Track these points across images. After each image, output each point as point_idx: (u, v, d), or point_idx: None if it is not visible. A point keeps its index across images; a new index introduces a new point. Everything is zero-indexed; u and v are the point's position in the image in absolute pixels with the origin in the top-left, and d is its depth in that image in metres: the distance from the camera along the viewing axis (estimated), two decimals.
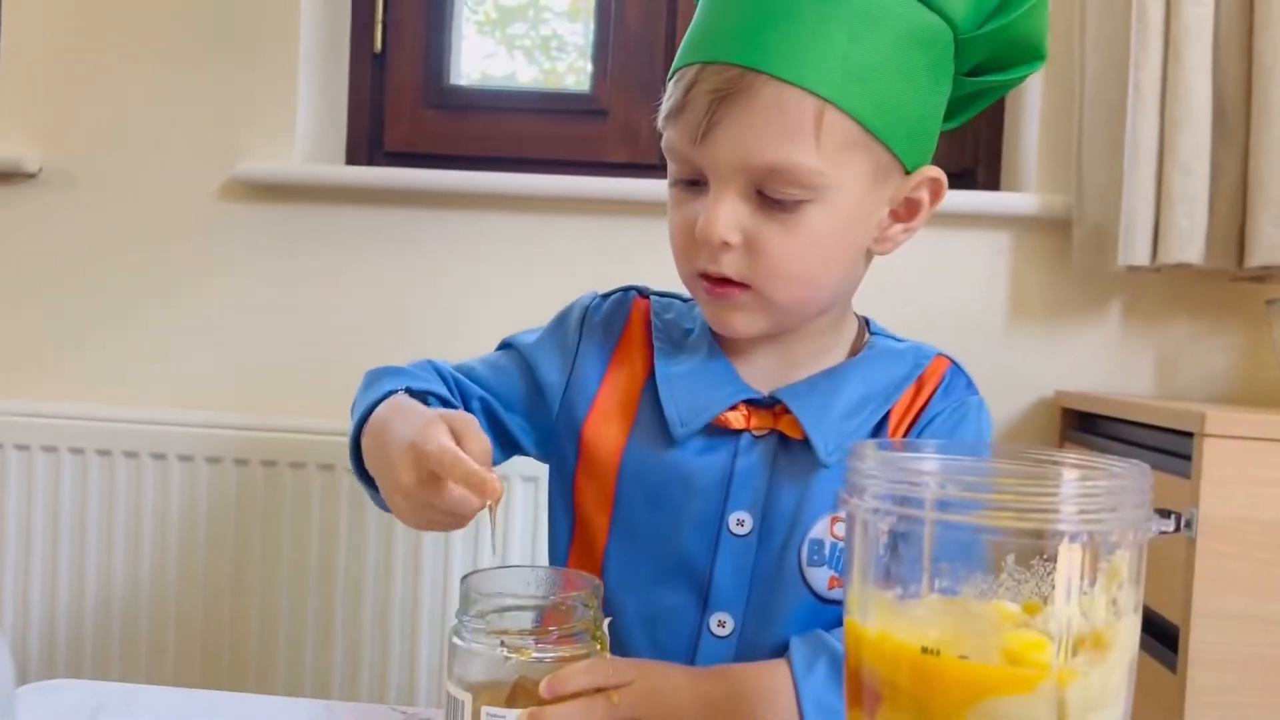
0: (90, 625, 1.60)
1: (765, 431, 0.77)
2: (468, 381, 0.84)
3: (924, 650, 0.45)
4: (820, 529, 0.76)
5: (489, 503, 0.61)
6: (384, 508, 0.75)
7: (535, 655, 0.58)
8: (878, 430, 0.78)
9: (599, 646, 0.61)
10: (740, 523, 0.76)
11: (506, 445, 0.86)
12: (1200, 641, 1.10)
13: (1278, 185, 1.38)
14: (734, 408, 0.77)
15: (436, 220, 1.66)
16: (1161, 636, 1.16)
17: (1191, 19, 1.39)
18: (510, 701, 0.58)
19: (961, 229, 1.60)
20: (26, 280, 1.71)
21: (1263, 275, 1.49)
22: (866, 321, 0.86)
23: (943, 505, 0.44)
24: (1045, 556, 0.45)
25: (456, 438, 0.64)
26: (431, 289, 1.66)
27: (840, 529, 0.76)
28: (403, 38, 1.79)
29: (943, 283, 1.61)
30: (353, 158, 1.80)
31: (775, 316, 0.75)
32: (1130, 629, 0.46)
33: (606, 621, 0.62)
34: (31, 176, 1.69)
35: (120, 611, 1.59)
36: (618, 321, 0.85)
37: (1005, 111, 1.71)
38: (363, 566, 1.56)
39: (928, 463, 0.50)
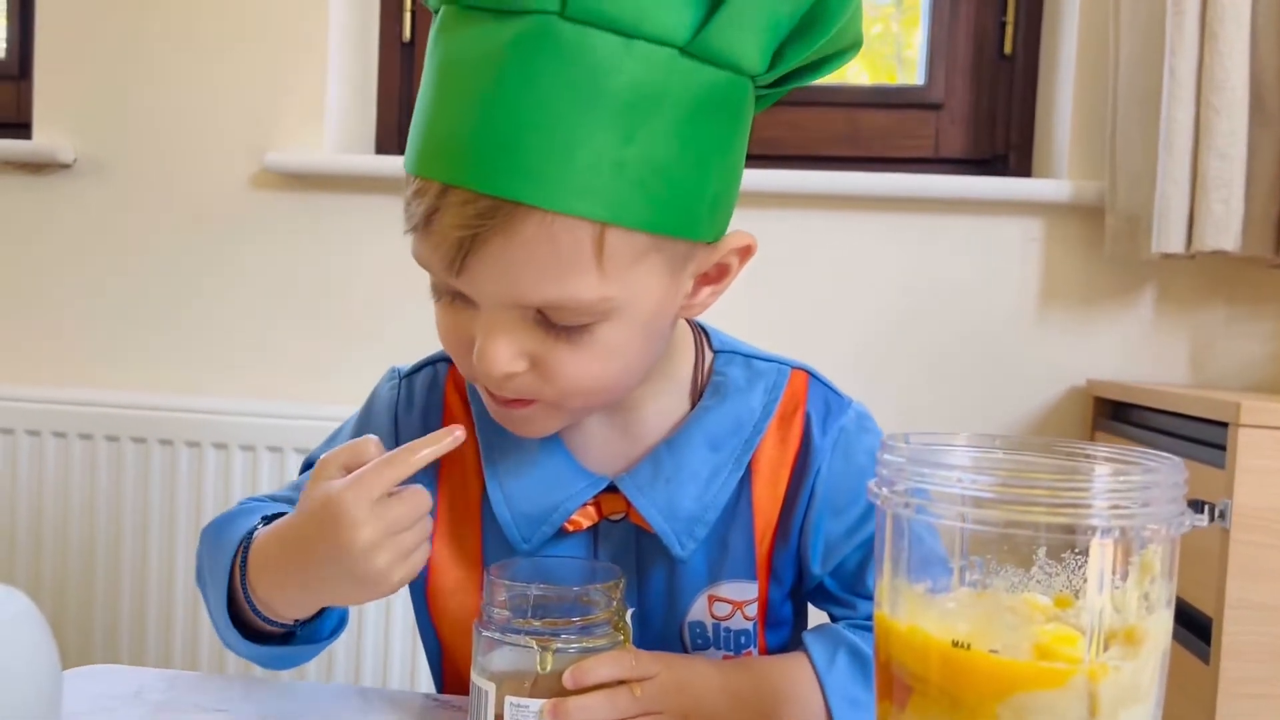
0: (126, 611, 1.62)
1: (620, 516, 0.70)
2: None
3: (955, 644, 0.45)
4: (698, 610, 0.71)
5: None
6: (276, 662, 0.70)
7: (559, 646, 0.59)
8: (740, 488, 0.70)
9: (622, 638, 0.61)
10: None
11: None
12: (1233, 633, 1.09)
13: None
14: (581, 507, 0.69)
15: None
16: (1194, 628, 1.15)
17: (1228, 3, 1.37)
18: (534, 692, 0.58)
19: (993, 215, 1.59)
20: (62, 270, 1.73)
21: None
22: (705, 332, 0.75)
23: (974, 500, 0.44)
24: (1077, 550, 0.44)
25: (357, 455, 0.61)
26: None
27: (719, 608, 0.71)
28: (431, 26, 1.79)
29: (973, 270, 1.59)
30: (382, 147, 1.81)
31: (574, 417, 0.66)
32: (1162, 623, 0.46)
33: (630, 613, 0.62)
34: (66, 167, 1.71)
35: (157, 598, 1.62)
36: (433, 411, 0.74)
37: (1038, 97, 1.69)
38: None
39: (959, 455, 0.50)
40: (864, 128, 1.71)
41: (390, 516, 0.58)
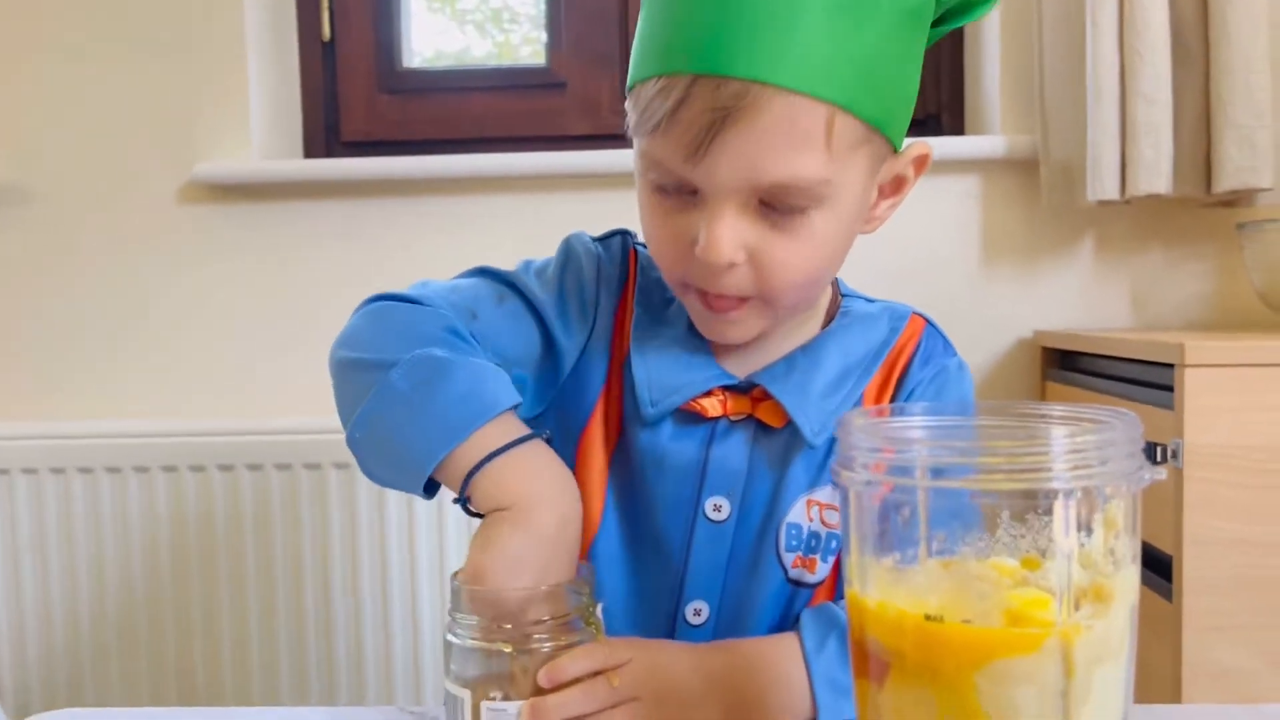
0: (88, 646, 1.59)
1: (742, 417, 0.74)
2: (479, 350, 0.72)
3: (928, 617, 0.45)
4: (797, 512, 0.74)
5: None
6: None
7: (531, 645, 0.58)
8: (859, 404, 0.76)
9: (594, 631, 0.61)
10: (717, 508, 0.74)
11: None
12: (1193, 568, 1.11)
13: (1240, 108, 1.38)
14: (709, 394, 0.73)
15: (400, 208, 1.64)
16: (1155, 566, 1.17)
17: None
18: (510, 694, 0.58)
19: (930, 176, 1.57)
20: None
21: (1231, 200, 1.49)
22: (835, 282, 0.83)
23: (934, 472, 0.44)
24: (1040, 511, 0.44)
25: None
26: (403, 277, 1.64)
27: (814, 511, 0.74)
28: (351, 24, 1.76)
29: (915, 230, 1.60)
30: (310, 150, 1.78)
31: (774, 322, 0.71)
32: (1130, 579, 0.46)
33: (599, 606, 0.62)
34: None
35: (116, 628, 1.58)
36: (623, 275, 0.79)
37: (966, 55, 1.70)
38: (358, 564, 1.55)
39: (916, 430, 0.49)
40: None
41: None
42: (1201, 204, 1.54)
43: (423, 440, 0.65)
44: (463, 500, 0.65)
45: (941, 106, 1.71)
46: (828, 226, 0.65)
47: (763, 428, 0.74)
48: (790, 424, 0.72)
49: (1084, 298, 1.60)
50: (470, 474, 0.64)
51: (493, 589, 0.59)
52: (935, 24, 0.69)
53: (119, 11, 1.63)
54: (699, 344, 0.74)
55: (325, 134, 1.78)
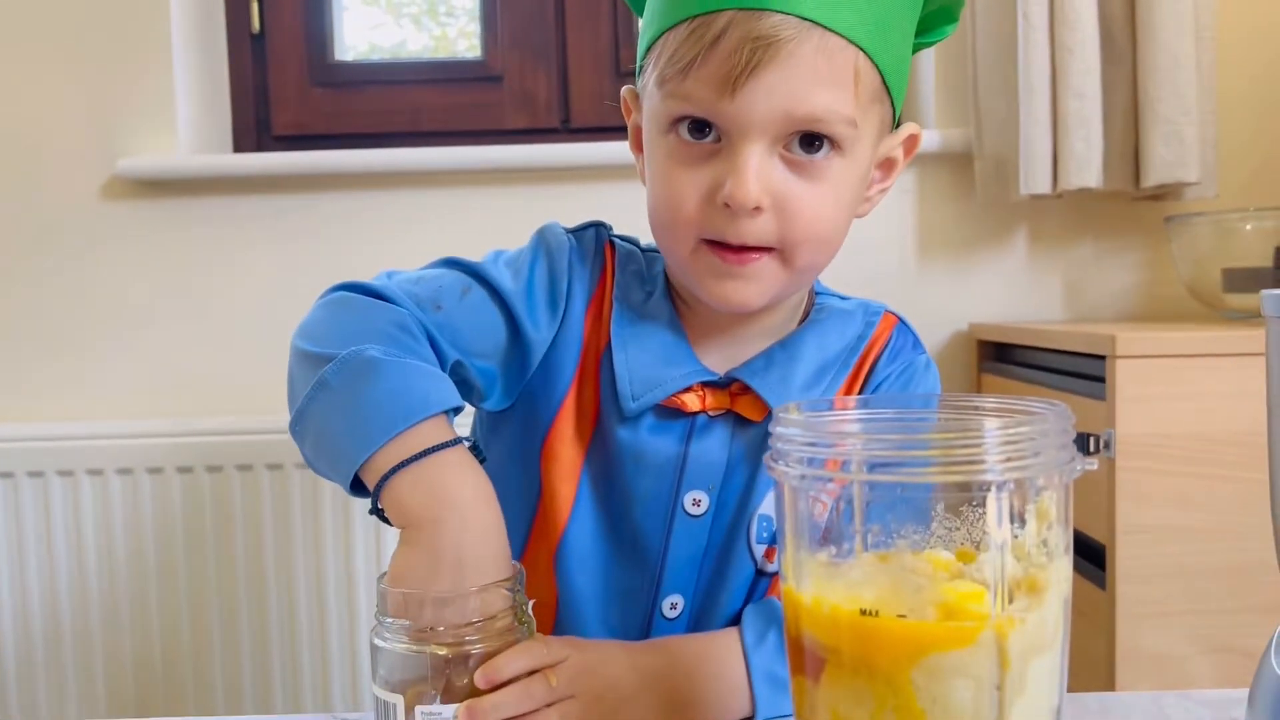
0: (41, 654, 1.54)
1: (720, 412, 0.74)
2: (444, 344, 0.70)
3: (862, 612, 0.44)
4: (769, 503, 0.74)
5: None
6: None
7: (464, 648, 0.57)
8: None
9: (527, 629, 0.60)
10: (696, 503, 0.74)
11: (464, 394, 0.72)
12: (1126, 557, 1.13)
13: (1167, 104, 1.41)
14: (689, 389, 0.73)
15: (333, 203, 1.61)
16: (1089, 555, 1.19)
17: None
18: (445, 697, 0.56)
19: None
20: None
21: (1159, 193, 1.52)
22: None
23: (868, 466, 0.44)
24: (974, 504, 0.44)
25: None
26: (336, 274, 1.61)
27: None
28: (281, 16, 1.72)
29: (852, 225, 1.60)
30: (240, 145, 1.74)
31: (787, 285, 0.70)
32: (1063, 570, 0.46)
33: (530, 604, 0.61)
34: None
35: (72, 635, 1.54)
36: (595, 269, 0.77)
37: None
38: (292, 569, 1.52)
39: (850, 423, 0.49)
40: None
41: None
42: (1131, 198, 1.57)
43: (347, 442, 0.62)
44: (376, 511, 0.62)
45: None
46: (845, 178, 0.67)
47: (741, 423, 0.74)
48: (770, 417, 0.71)
49: (1018, 290, 1.63)
50: (380, 484, 0.61)
51: (420, 591, 0.57)
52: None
53: (42, 3, 1.58)
54: (679, 339, 0.74)
55: (256, 128, 1.74)
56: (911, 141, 0.74)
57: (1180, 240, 1.45)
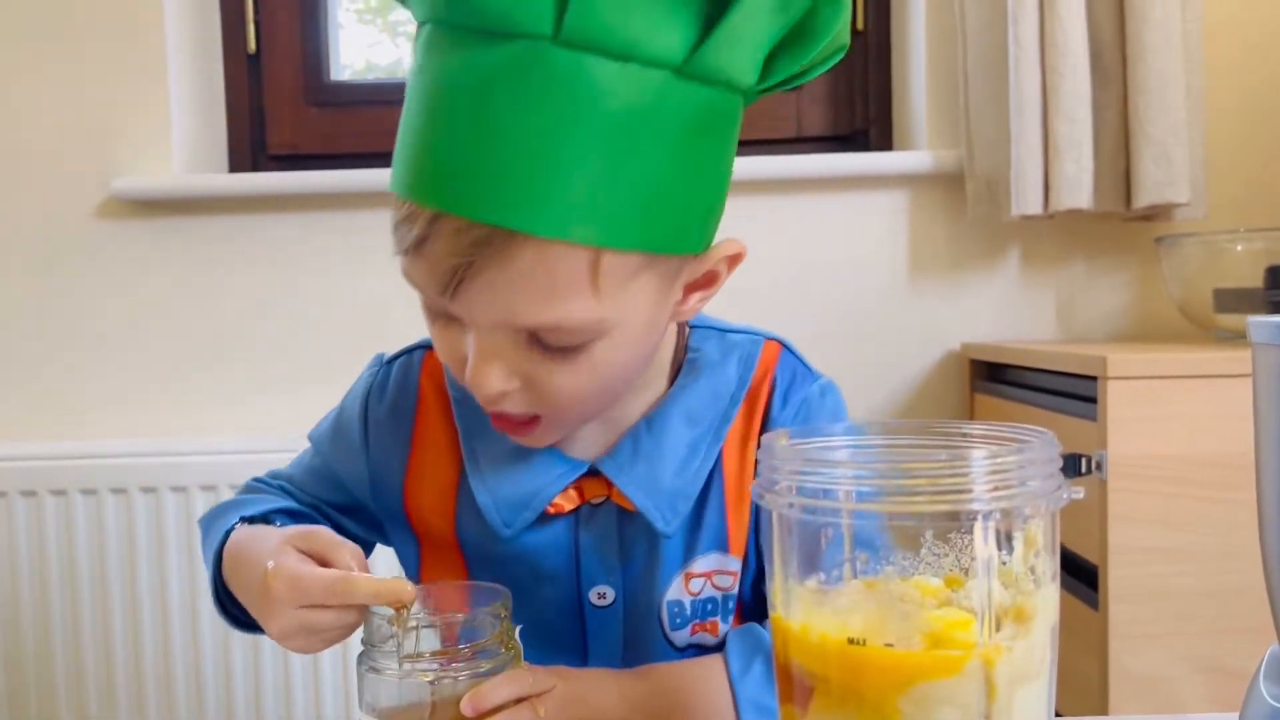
0: (33, 672, 1.53)
1: (601, 499, 0.70)
2: (299, 493, 0.78)
3: (850, 641, 0.44)
4: (675, 589, 0.72)
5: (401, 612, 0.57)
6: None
7: (451, 675, 0.57)
8: (721, 463, 0.71)
9: (514, 656, 0.60)
10: (601, 595, 0.72)
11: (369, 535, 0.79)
12: (1118, 577, 1.13)
13: (1156, 126, 1.42)
14: (562, 490, 0.69)
15: (329, 222, 1.61)
16: (1081, 575, 1.19)
17: None
18: None
19: (859, 191, 1.61)
20: None
21: (1150, 214, 1.53)
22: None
23: (856, 495, 0.44)
24: (962, 531, 0.45)
25: (320, 558, 0.61)
26: (330, 291, 1.62)
27: (694, 584, 0.71)
28: (277, 36, 1.73)
29: (844, 245, 1.62)
30: (235, 164, 1.74)
31: (574, 426, 0.67)
32: (1050, 598, 0.46)
33: (518, 630, 0.61)
34: None
35: (63, 653, 1.53)
36: (407, 399, 0.75)
37: (893, 72, 1.72)
38: None
39: (838, 452, 0.49)
40: None
41: (308, 620, 0.59)
42: (1122, 218, 1.58)
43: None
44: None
45: (869, 122, 1.73)
46: (611, 352, 0.60)
47: (624, 512, 0.71)
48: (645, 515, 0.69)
49: (1009, 310, 1.63)
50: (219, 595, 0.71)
51: (413, 617, 0.57)
52: (763, 91, 0.61)
53: (36, 22, 1.59)
54: None
55: (251, 147, 1.75)
56: (734, 259, 0.66)
57: (1171, 261, 1.46)
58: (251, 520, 0.72)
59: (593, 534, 0.71)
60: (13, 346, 1.62)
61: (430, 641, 0.57)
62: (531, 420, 0.63)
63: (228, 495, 1.50)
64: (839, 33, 0.57)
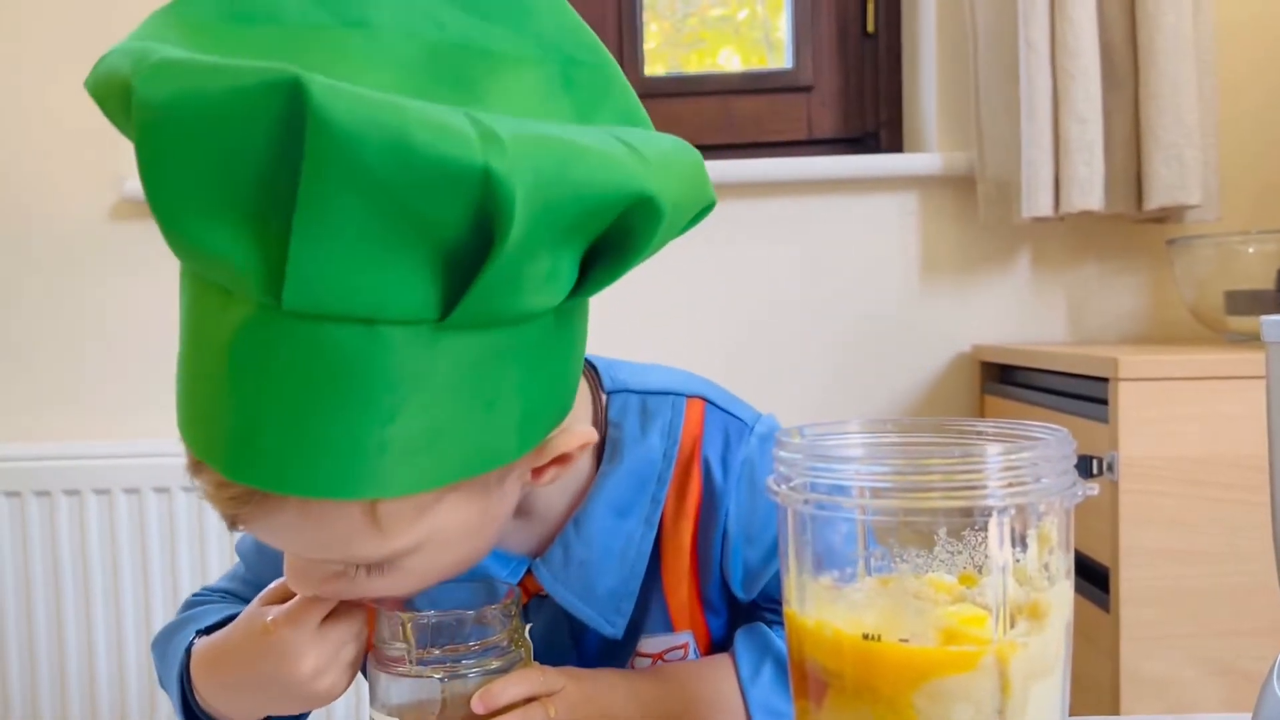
0: (45, 671, 1.54)
1: (546, 593, 0.67)
2: (243, 600, 0.73)
3: (865, 637, 0.44)
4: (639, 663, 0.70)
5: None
6: None
7: (461, 672, 0.57)
8: (657, 544, 0.68)
9: (525, 655, 0.60)
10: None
11: None
12: (1130, 579, 1.13)
13: (1168, 128, 1.42)
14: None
15: None
16: (1093, 577, 1.19)
17: None
18: None
19: (869, 193, 1.61)
20: None
21: (1162, 216, 1.53)
22: (596, 372, 0.70)
23: (871, 492, 0.44)
24: (976, 528, 0.45)
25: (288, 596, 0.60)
26: None
27: (640, 663, 0.70)
28: None
29: (855, 248, 1.62)
30: None
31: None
32: (1064, 594, 0.46)
33: (528, 628, 0.61)
34: None
35: (76, 653, 1.54)
36: None
37: (904, 75, 1.72)
38: None
39: (853, 446, 0.50)
40: (737, 114, 1.72)
41: (332, 639, 0.59)
42: (1133, 220, 1.58)
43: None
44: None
45: (880, 124, 1.73)
46: (434, 559, 0.55)
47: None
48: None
49: (1020, 312, 1.63)
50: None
51: (414, 612, 0.58)
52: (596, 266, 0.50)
53: (52, 25, 1.60)
54: None
55: None
56: (582, 447, 0.58)
57: (1182, 263, 1.45)
58: (209, 631, 0.68)
59: (542, 627, 0.69)
60: (26, 347, 1.63)
61: (441, 639, 0.57)
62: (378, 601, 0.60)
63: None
64: (681, 216, 0.49)
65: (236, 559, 0.79)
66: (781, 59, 1.81)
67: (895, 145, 1.73)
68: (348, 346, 0.44)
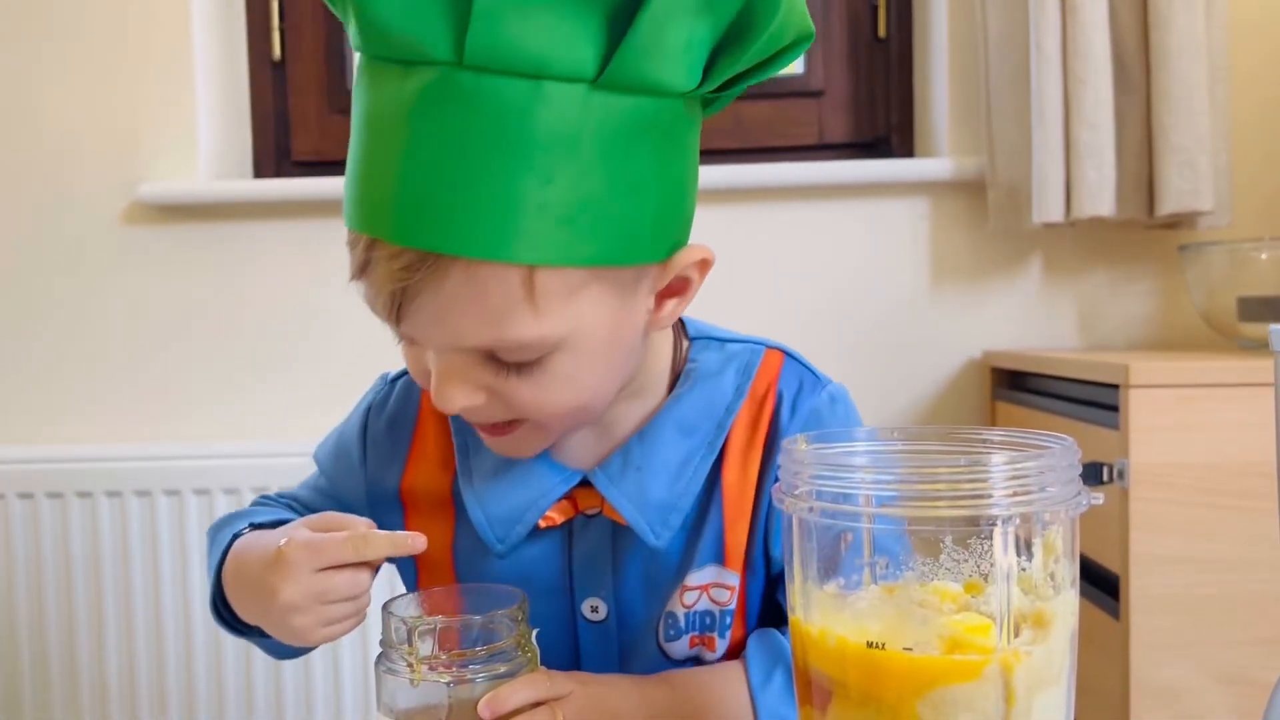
0: (27, 676, 1.55)
1: (595, 510, 0.70)
2: (304, 511, 0.79)
3: (869, 645, 0.44)
4: (671, 602, 0.71)
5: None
6: (266, 652, 0.76)
7: (468, 677, 0.57)
8: (713, 473, 0.70)
9: (531, 659, 0.60)
10: (594, 609, 0.71)
11: None
12: (1140, 586, 1.13)
13: (1180, 134, 1.41)
14: (555, 503, 0.69)
15: None
16: (1103, 585, 1.18)
17: None
18: None
19: (880, 198, 1.61)
20: None
21: (1173, 222, 1.52)
22: (681, 322, 0.75)
23: (876, 500, 0.44)
24: (982, 536, 0.45)
25: (326, 523, 0.64)
26: (354, 300, 1.62)
27: (688, 597, 0.71)
28: (302, 44, 1.75)
29: (865, 253, 1.61)
30: (260, 170, 1.76)
31: (560, 435, 0.66)
32: (1069, 604, 0.46)
33: (534, 633, 0.61)
34: None
35: (89, 656, 1.55)
36: (406, 417, 0.76)
37: (915, 79, 1.72)
38: None
39: (859, 456, 0.50)
40: (748, 119, 1.72)
41: (321, 587, 0.61)
42: (1144, 226, 1.57)
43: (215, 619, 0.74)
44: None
45: (891, 129, 1.73)
46: (575, 365, 0.59)
47: (617, 524, 0.70)
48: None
49: (1031, 318, 1.62)
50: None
51: (421, 617, 0.58)
52: (724, 88, 0.60)
53: (64, 29, 1.61)
54: None
55: (276, 153, 1.76)
56: (703, 265, 0.64)
57: (1194, 269, 1.45)
58: (259, 527, 0.73)
59: (585, 546, 0.70)
60: (38, 349, 1.64)
61: (448, 644, 0.58)
62: (511, 425, 0.63)
63: (250, 498, 1.51)
64: (787, 20, 0.56)
65: None
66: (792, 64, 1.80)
67: (906, 150, 1.73)
68: (515, 101, 0.52)
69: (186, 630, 1.54)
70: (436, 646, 0.57)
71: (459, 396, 0.59)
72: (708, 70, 0.56)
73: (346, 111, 1.73)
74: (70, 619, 1.54)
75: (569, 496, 0.69)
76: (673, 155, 0.58)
